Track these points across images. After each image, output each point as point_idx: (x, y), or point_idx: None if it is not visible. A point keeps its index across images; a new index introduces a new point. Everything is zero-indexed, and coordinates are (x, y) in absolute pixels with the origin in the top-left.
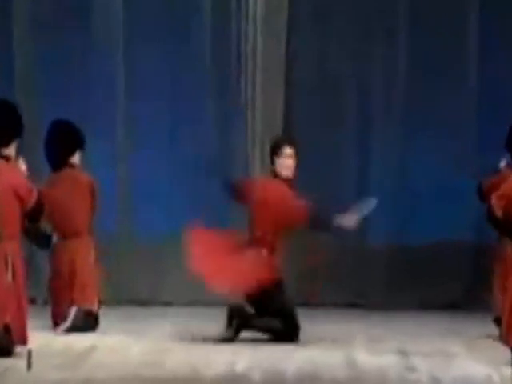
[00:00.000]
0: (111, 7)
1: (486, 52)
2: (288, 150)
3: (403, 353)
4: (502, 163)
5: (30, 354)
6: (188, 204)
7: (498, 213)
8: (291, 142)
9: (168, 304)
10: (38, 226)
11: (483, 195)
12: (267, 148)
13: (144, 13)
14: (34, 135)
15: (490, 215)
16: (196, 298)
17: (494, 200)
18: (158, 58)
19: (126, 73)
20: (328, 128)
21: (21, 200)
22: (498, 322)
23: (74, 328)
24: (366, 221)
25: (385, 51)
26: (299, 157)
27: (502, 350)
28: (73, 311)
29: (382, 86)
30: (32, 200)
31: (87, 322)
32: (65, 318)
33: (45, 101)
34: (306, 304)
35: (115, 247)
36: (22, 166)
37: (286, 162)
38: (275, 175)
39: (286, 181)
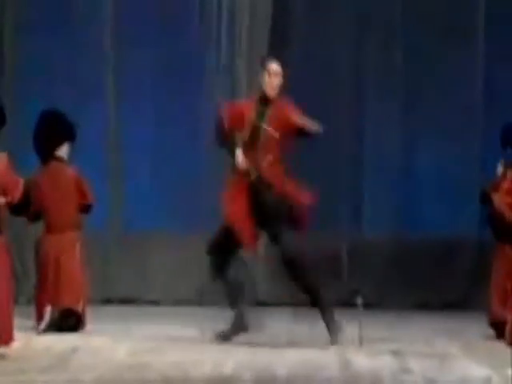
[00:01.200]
0: (99, 8)
1: (493, 53)
2: (274, 67)
3: (398, 354)
4: (499, 168)
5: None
6: (178, 203)
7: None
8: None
9: (155, 303)
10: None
11: (487, 199)
12: None
13: (133, 12)
14: (23, 135)
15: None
16: (183, 297)
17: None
18: (146, 58)
19: (116, 72)
20: (326, 123)
21: (5, 194)
22: (494, 326)
23: (53, 328)
24: (363, 218)
25: (384, 51)
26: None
27: (502, 350)
28: (48, 310)
29: (381, 79)
30: (18, 193)
31: (69, 322)
32: (42, 318)
33: (34, 102)
34: (298, 303)
35: (103, 245)
36: (4, 159)
37: (272, 80)
38: (261, 93)
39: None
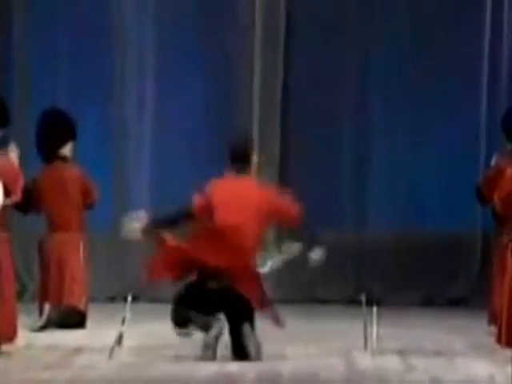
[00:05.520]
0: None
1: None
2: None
3: (403, 352)
4: (494, 159)
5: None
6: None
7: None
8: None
9: (157, 301)
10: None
11: (482, 194)
12: None
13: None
14: (29, 128)
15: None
16: None
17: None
18: (149, 57)
19: (120, 73)
20: (328, 126)
21: (7, 190)
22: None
23: (51, 325)
24: (367, 216)
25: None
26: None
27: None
28: (47, 308)
29: (387, 79)
30: (18, 190)
31: (73, 320)
32: (41, 315)
33: (43, 102)
34: (304, 300)
35: (107, 244)
36: (14, 151)
37: None
38: None
39: None
